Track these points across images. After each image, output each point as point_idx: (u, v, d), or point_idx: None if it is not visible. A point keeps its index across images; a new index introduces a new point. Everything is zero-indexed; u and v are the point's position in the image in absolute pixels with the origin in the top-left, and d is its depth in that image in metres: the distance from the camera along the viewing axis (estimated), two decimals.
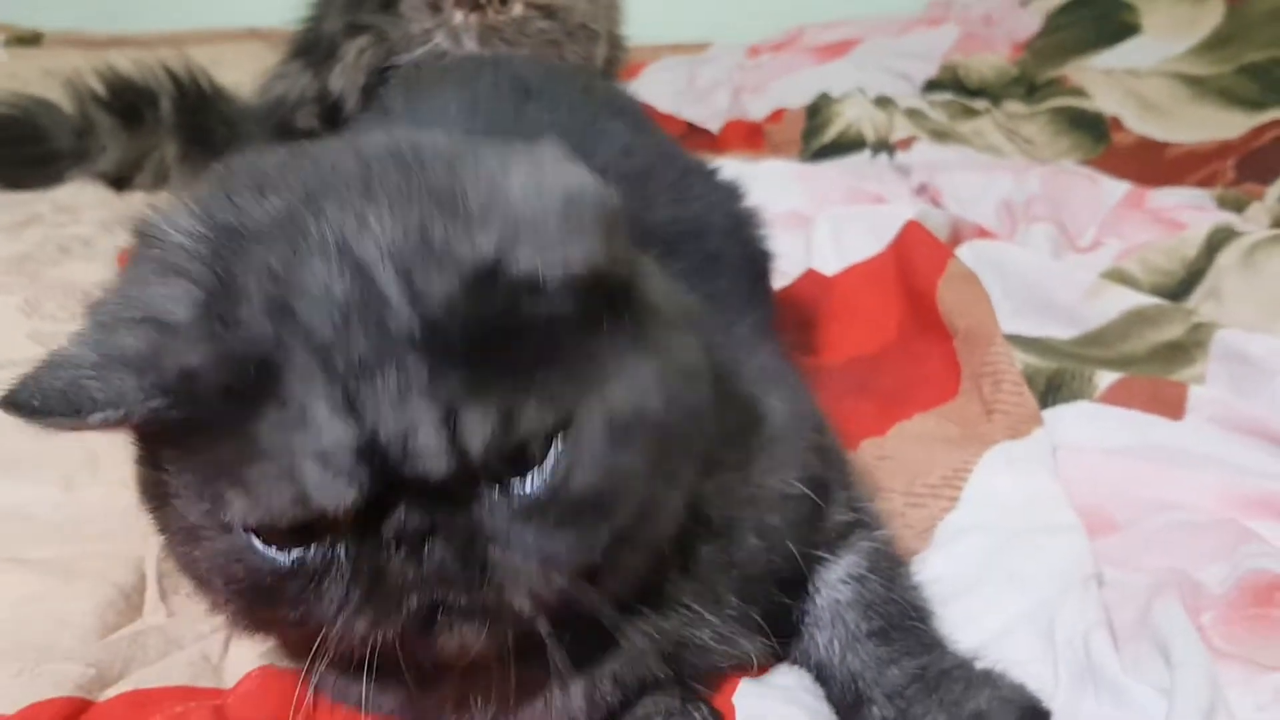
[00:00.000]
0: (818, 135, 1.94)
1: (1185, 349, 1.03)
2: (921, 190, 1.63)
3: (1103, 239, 1.40)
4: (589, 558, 0.52)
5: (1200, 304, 1.14)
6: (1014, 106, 2.05)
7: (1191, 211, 1.44)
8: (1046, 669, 0.67)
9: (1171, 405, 0.92)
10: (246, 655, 0.68)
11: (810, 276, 1.23)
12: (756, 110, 2.13)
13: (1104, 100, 1.95)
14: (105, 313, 0.52)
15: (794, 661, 0.71)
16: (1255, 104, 1.81)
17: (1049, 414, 0.94)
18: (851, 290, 1.18)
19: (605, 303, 0.52)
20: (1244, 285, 1.13)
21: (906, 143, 1.84)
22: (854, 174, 1.71)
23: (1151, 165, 1.77)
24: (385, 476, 0.47)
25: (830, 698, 0.69)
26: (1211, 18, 2.05)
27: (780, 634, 0.69)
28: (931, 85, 2.15)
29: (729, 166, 1.65)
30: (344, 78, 1.50)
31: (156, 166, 1.60)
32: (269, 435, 0.47)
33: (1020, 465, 0.85)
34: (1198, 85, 1.92)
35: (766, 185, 1.58)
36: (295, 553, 0.50)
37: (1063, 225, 1.45)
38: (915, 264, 1.13)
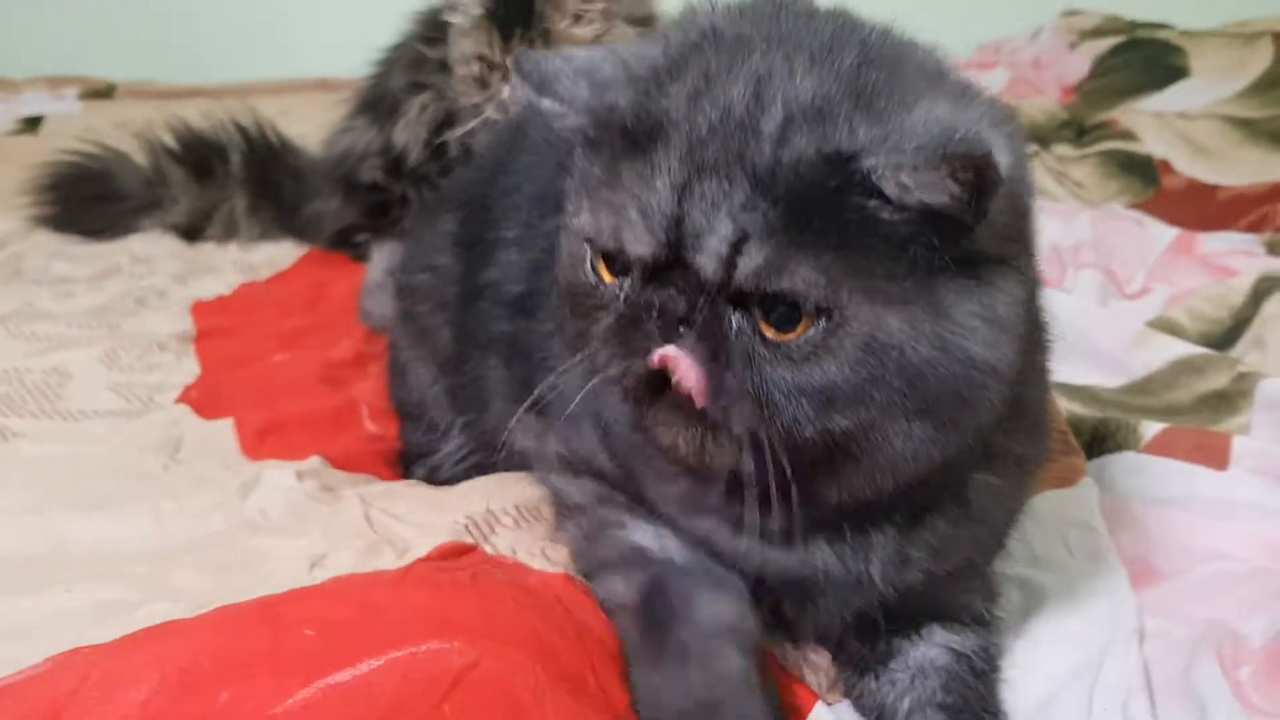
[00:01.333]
0: None
1: (1230, 398, 1.04)
2: None
3: (1151, 285, 1.41)
4: (796, 431, 0.57)
5: (1246, 353, 1.15)
6: (1063, 150, 2.06)
7: (1241, 257, 1.45)
8: None
9: (1215, 456, 0.94)
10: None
11: None
12: None
13: (1153, 143, 1.96)
14: (611, 48, 0.64)
15: (858, 697, 0.73)
16: None
17: (1095, 464, 0.96)
18: None
19: (932, 242, 0.56)
20: None
21: None
22: None
23: (1202, 208, 1.77)
24: (675, 253, 0.56)
25: None
26: (1261, 60, 2.05)
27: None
28: None
29: None
30: (407, 132, 1.55)
31: (226, 218, 1.66)
32: (627, 177, 0.58)
33: (1066, 514, 0.86)
34: (1248, 127, 1.93)
35: None
36: (599, 277, 0.61)
37: (1111, 271, 1.46)
38: None
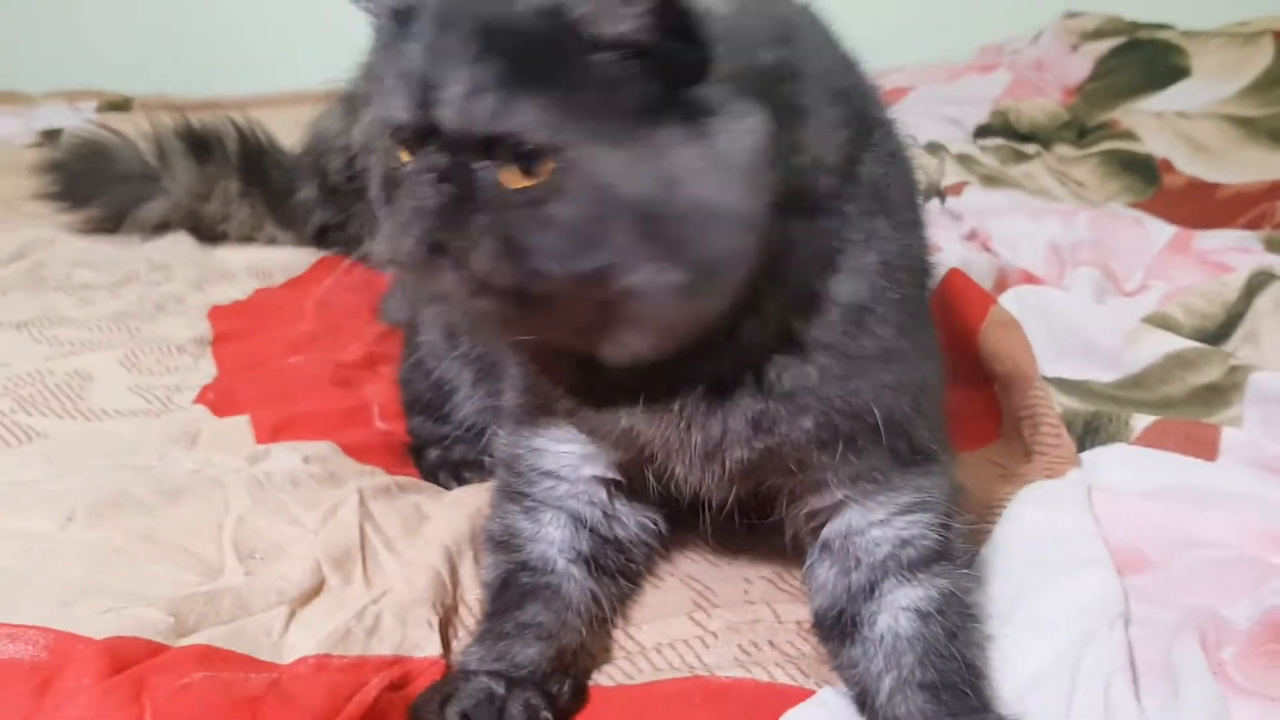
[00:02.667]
0: None
1: (1223, 391, 1.06)
2: (972, 235, 1.67)
3: (1149, 282, 1.43)
4: (544, 271, 0.62)
5: (1238, 347, 1.18)
6: (1065, 150, 2.08)
7: (1237, 254, 1.47)
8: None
9: (1205, 447, 0.96)
10: (303, 639, 0.75)
11: None
12: None
13: (1154, 143, 1.98)
14: None
15: (844, 672, 0.76)
16: None
17: (1087, 456, 0.98)
18: None
19: (648, 85, 0.61)
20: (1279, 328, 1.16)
21: (957, 188, 1.87)
22: None
23: (1202, 206, 1.80)
24: (427, 112, 0.63)
25: None
26: (1261, 59, 2.07)
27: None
28: (982, 130, 2.19)
29: None
30: (360, 136, 1.61)
31: (223, 195, 1.72)
32: (392, 54, 0.65)
33: (1054, 503, 0.89)
34: (1247, 126, 1.95)
35: None
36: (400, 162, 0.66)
37: (1110, 269, 1.48)
38: (958, 310, 1.18)
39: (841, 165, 0.70)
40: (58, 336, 1.26)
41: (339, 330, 1.34)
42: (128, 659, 0.68)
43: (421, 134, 0.64)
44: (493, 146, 0.62)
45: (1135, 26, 2.30)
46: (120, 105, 2.65)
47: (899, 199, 0.75)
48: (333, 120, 1.70)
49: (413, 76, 0.63)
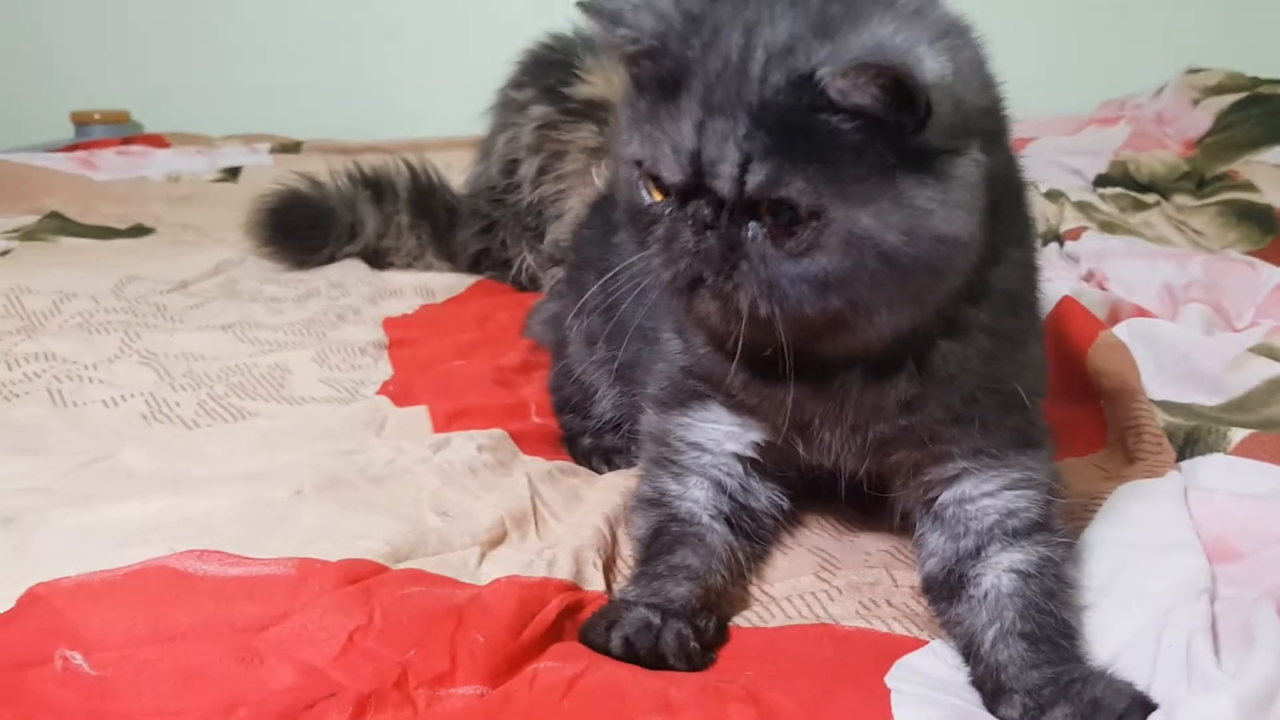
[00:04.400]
0: None
1: None
2: (1089, 277, 1.74)
3: (1259, 320, 1.50)
4: (796, 310, 0.74)
5: None
6: (1183, 200, 2.14)
7: None
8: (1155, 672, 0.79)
9: None
10: (495, 570, 0.88)
11: None
12: None
13: (1272, 194, 2.03)
14: None
15: (951, 628, 0.86)
16: None
17: (1186, 464, 1.06)
18: None
19: (885, 144, 0.71)
20: None
21: (1076, 233, 1.95)
22: None
23: None
24: (699, 179, 0.74)
25: (974, 675, 0.82)
26: None
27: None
28: (1102, 180, 2.25)
29: None
30: (495, 167, 1.87)
31: (396, 231, 1.92)
32: (662, 116, 0.76)
33: (1152, 496, 0.97)
34: None
35: None
36: (649, 196, 0.79)
37: (1221, 307, 1.55)
38: (1068, 334, 1.27)
39: (1004, 175, 0.82)
40: (257, 337, 1.44)
41: (497, 341, 1.49)
42: (357, 575, 0.83)
43: (689, 192, 0.75)
44: (756, 206, 0.73)
45: (1256, 82, 2.36)
46: (291, 148, 2.88)
47: (1026, 205, 0.91)
48: (477, 168, 1.93)
49: (683, 149, 0.74)
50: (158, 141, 2.97)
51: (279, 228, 1.85)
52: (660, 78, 0.76)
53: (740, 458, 0.95)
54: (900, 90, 0.69)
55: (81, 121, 3.29)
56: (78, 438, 1.11)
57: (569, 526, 0.98)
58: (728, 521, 0.94)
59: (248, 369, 1.31)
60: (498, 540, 0.93)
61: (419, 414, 1.20)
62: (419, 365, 1.38)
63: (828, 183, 0.71)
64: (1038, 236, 0.95)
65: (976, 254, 0.78)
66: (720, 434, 0.95)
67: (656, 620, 0.81)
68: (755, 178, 0.72)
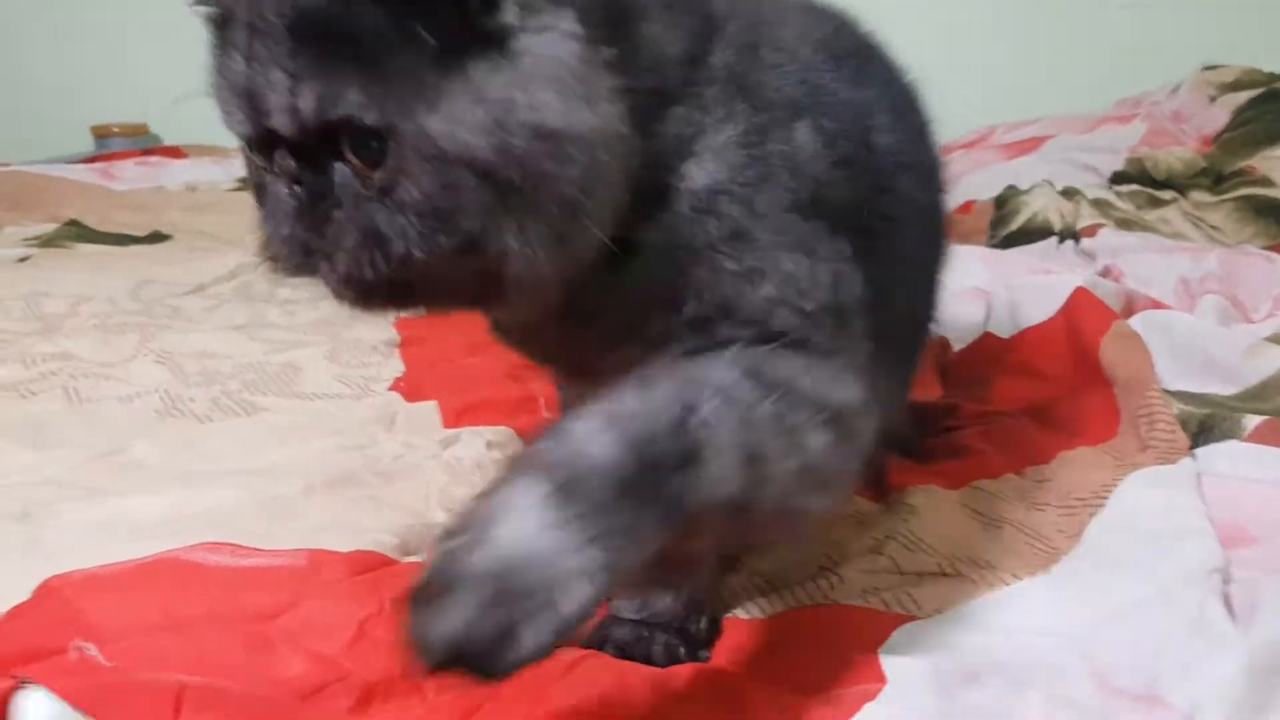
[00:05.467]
0: (1005, 224, 2.07)
1: None
2: (1105, 273, 1.73)
3: (1276, 311, 1.49)
4: (406, 257, 0.60)
5: None
6: (1201, 196, 2.12)
7: None
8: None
9: None
10: None
11: (987, 339, 1.37)
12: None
13: None
14: None
15: None
16: None
17: (1200, 451, 1.05)
18: (1025, 351, 1.32)
19: (448, 28, 0.58)
20: None
21: (1092, 230, 1.94)
22: (1039, 257, 1.83)
23: None
24: (263, 121, 0.60)
25: None
26: None
27: None
28: (1119, 177, 2.24)
29: None
30: None
31: None
32: (219, 63, 0.62)
33: (1164, 483, 0.97)
34: None
35: (955, 266, 1.73)
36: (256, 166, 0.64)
37: (1237, 299, 1.54)
38: (1081, 324, 1.27)
39: (687, 56, 0.69)
40: (270, 337, 1.45)
41: None
42: (367, 566, 0.84)
43: (267, 142, 0.61)
44: (335, 142, 0.60)
45: (1273, 78, 2.34)
46: None
47: (770, 95, 0.72)
48: None
49: (239, 87, 0.61)
50: (175, 153, 3.01)
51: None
52: (210, 17, 0.64)
53: None
54: None
55: (101, 134, 3.34)
56: (91, 432, 1.12)
57: None
58: None
59: (261, 366, 1.32)
60: None
61: (429, 409, 1.20)
62: (430, 362, 1.38)
63: (385, 90, 0.58)
64: (810, 138, 0.73)
65: (626, 152, 0.64)
66: None
67: (645, 634, 0.81)
68: (306, 101, 0.58)
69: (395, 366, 1.37)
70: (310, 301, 1.65)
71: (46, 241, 2.06)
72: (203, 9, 0.65)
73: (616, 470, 0.57)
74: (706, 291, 0.69)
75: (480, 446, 1.08)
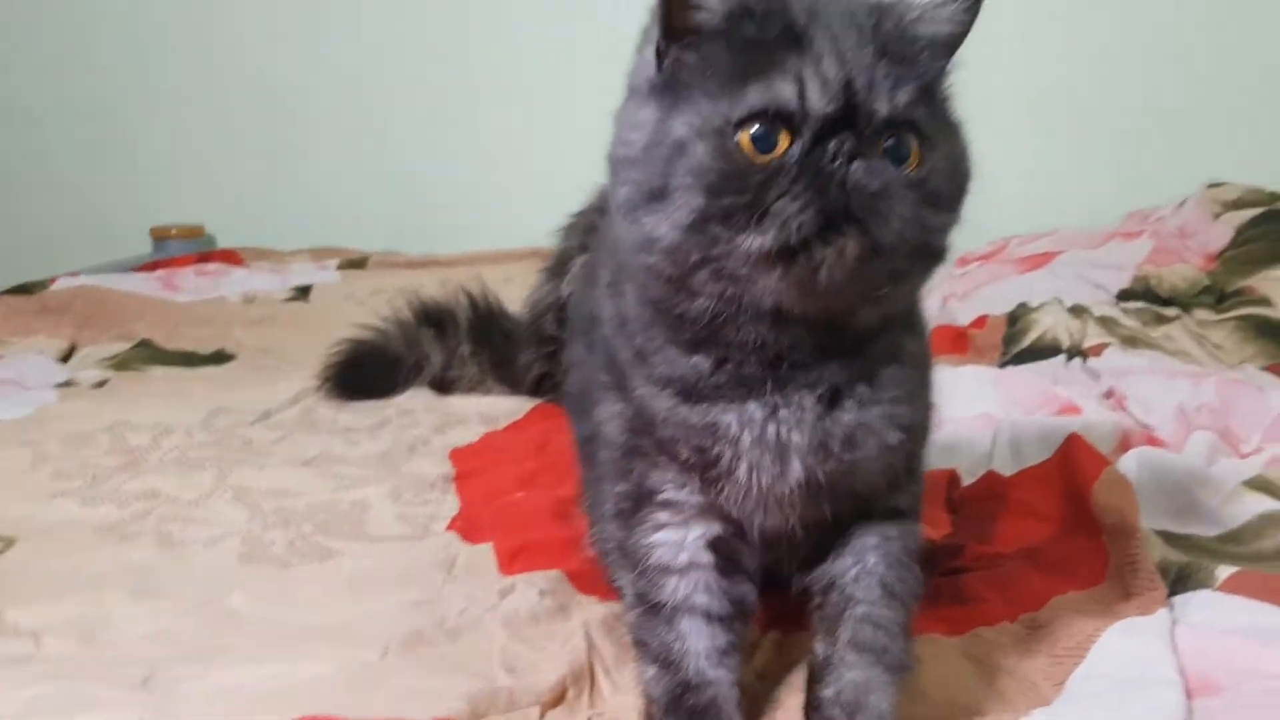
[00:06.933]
0: (1017, 341, 2.19)
1: None
2: (1109, 394, 1.85)
3: (1265, 445, 1.60)
4: (928, 235, 0.82)
5: None
6: (1204, 314, 2.23)
7: None
8: None
9: (1278, 595, 1.14)
10: None
11: (990, 477, 1.50)
12: (964, 316, 2.40)
13: None
14: None
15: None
16: None
17: (1177, 599, 1.16)
18: (1026, 490, 1.44)
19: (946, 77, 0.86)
20: None
21: (1098, 349, 2.06)
22: (1047, 378, 1.94)
23: None
24: (849, 108, 0.79)
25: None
26: None
27: None
28: (1125, 294, 2.36)
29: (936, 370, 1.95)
30: (571, 285, 1.90)
31: (460, 360, 2.06)
32: (780, 64, 0.79)
33: (1141, 634, 1.08)
34: None
35: (966, 389, 1.87)
36: (765, 158, 0.79)
37: (1230, 430, 1.65)
38: (1075, 470, 1.39)
39: None
40: (338, 472, 1.60)
41: (555, 468, 1.63)
42: None
43: (834, 123, 0.78)
44: (879, 136, 0.79)
45: (1275, 197, 2.45)
46: (358, 263, 3.07)
47: None
48: (542, 293, 2.02)
49: (833, 80, 0.78)
50: (233, 258, 3.18)
51: (349, 384, 1.99)
52: (764, 39, 0.81)
53: (705, 565, 0.98)
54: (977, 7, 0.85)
55: (160, 236, 3.52)
56: (185, 578, 1.26)
57: (615, 690, 1.07)
58: (725, 653, 0.98)
59: (331, 506, 1.46)
60: (558, 699, 1.04)
61: (485, 552, 1.33)
62: (484, 498, 1.52)
63: (929, 109, 0.82)
64: None
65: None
66: (679, 539, 0.98)
67: None
68: (903, 97, 0.79)
69: (452, 503, 1.50)
70: (370, 430, 1.80)
71: (120, 364, 2.23)
72: (755, 27, 0.82)
73: None
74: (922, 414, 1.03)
75: (534, 596, 1.20)
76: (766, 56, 0.80)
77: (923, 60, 0.83)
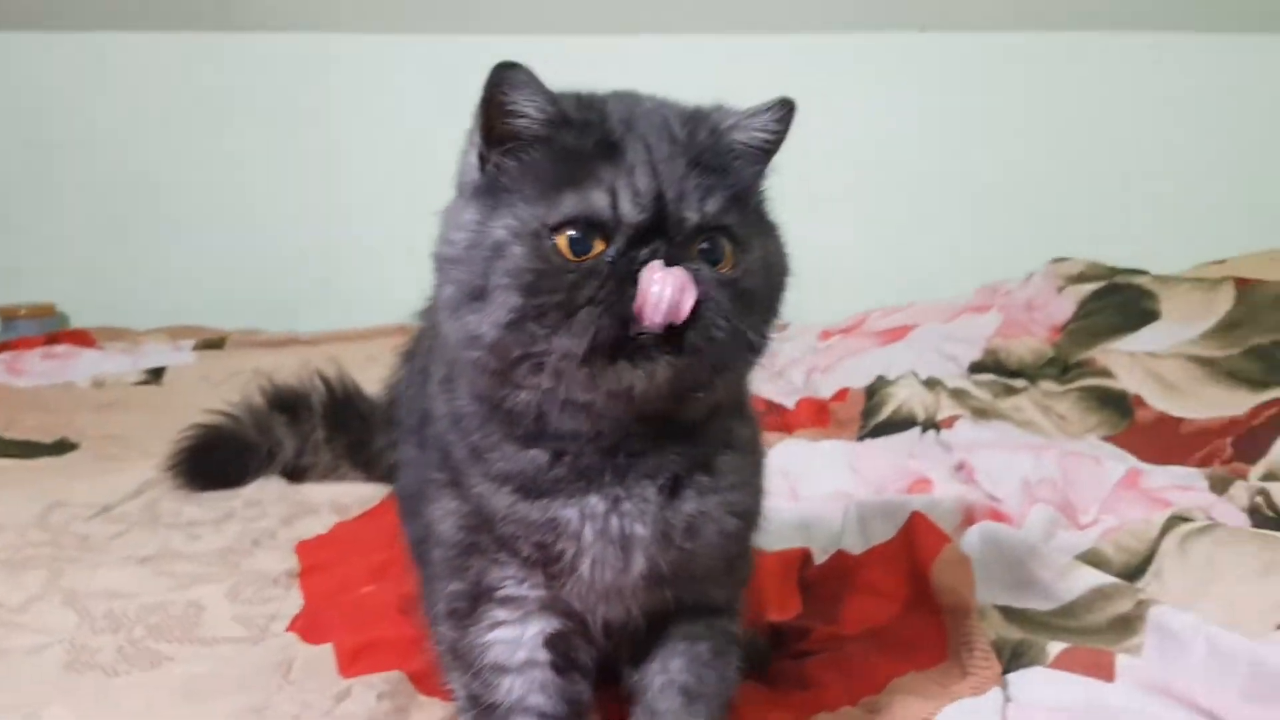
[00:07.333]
0: (875, 414, 2.24)
1: (1130, 622, 1.27)
2: (960, 466, 1.90)
3: (1102, 516, 1.66)
4: (743, 331, 0.84)
5: (1149, 583, 1.39)
6: (1049, 385, 2.32)
7: (1177, 491, 1.69)
8: None
9: (1104, 670, 1.16)
10: None
11: (839, 556, 1.51)
12: (826, 389, 2.45)
13: (1127, 380, 2.21)
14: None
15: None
16: (1259, 384, 2.05)
17: (1011, 677, 1.19)
18: (870, 570, 1.46)
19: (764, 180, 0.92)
20: (1178, 567, 1.38)
21: (950, 421, 2.12)
22: (903, 452, 1.99)
23: (1168, 441, 2.01)
24: (660, 216, 0.83)
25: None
26: (1223, 303, 2.31)
27: None
28: (976, 367, 2.45)
29: (796, 445, 1.97)
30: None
31: (314, 447, 2.00)
32: (595, 174, 0.83)
33: (973, 714, 1.10)
34: (1210, 366, 2.16)
35: (825, 464, 1.90)
36: (580, 260, 0.82)
37: (1070, 502, 1.71)
38: (917, 548, 1.41)
39: None
40: (174, 570, 1.53)
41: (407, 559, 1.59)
42: None
43: (645, 230, 0.82)
44: (702, 240, 0.84)
45: (1114, 271, 2.57)
46: (215, 343, 2.99)
47: None
48: (400, 370, 1.98)
49: (644, 191, 0.83)
50: (84, 339, 3.06)
51: (198, 473, 1.92)
52: (581, 149, 0.84)
53: (540, 663, 0.98)
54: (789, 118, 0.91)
55: (9, 316, 3.37)
56: (3, 690, 1.19)
57: None
58: None
59: (164, 607, 1.39)
60: None
61: (325, 654, 1.28)
62: (330, 593, 1.47)
63: (740, 213, 0.87)
64: None
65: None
66: (516, 636, 0.98)
67: None
68: (713, 205, 0.84)
69: (294, 600, 1.45)
70: (215, 523, 1.74)
71: None
72: (575, 137, 0.86)
73: None
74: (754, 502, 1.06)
75: (372, 700, 1.16)
76: (583, 165, 0.84)
77: (736, 167, 0.88)
